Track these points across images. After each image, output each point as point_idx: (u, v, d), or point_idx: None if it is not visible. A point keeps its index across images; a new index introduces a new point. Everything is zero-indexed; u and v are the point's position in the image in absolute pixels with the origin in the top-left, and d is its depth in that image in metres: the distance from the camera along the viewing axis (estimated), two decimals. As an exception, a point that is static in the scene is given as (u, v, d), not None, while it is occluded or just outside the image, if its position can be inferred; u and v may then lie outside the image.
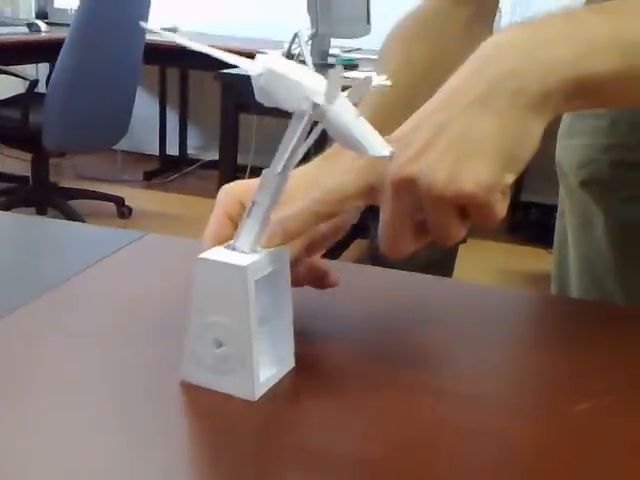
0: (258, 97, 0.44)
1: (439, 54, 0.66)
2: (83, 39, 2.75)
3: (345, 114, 0.43)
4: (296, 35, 2.62)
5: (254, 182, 0.48)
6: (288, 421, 0.45)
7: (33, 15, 4.06)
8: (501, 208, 0.45)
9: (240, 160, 2.76)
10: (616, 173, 0.76)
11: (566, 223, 0.85)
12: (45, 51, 3.25)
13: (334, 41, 2.89)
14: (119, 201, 3.39)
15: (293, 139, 0.44)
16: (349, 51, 3.23)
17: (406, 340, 0.57)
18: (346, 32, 2.92)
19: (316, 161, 0.59)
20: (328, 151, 0.60)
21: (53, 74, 2.78)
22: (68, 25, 3.01)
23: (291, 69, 0.43)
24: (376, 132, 0.44)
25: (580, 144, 0.79)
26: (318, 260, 0.57)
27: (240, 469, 0.40)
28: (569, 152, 0.81)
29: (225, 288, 0.44)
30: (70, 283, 0.62)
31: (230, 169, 2.44)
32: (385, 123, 0.47)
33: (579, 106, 0.51)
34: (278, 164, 0.45)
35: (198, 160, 4.39)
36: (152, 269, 0.68)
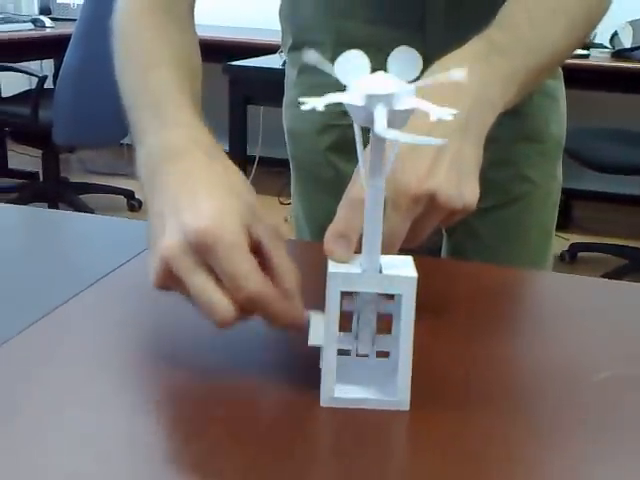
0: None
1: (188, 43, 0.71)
2: (90, 33, 2.76)
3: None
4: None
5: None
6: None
7: (36, 11, 4.06)
8: None
9: (248, 152, 2.78)
10: None
11: None
12: (50, 47, 3.27)
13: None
14: (129, 194, 3.42)
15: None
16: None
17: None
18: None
19: None
20: None
21: (61, 69, 2.79)
22: (72, 20, 3.02)
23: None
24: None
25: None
26: None
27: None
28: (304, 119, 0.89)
29: None
30: (116, 274, 0.65)
31: (240, 161, 2.47)
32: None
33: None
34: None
35: (203, 151, 4.39)
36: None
